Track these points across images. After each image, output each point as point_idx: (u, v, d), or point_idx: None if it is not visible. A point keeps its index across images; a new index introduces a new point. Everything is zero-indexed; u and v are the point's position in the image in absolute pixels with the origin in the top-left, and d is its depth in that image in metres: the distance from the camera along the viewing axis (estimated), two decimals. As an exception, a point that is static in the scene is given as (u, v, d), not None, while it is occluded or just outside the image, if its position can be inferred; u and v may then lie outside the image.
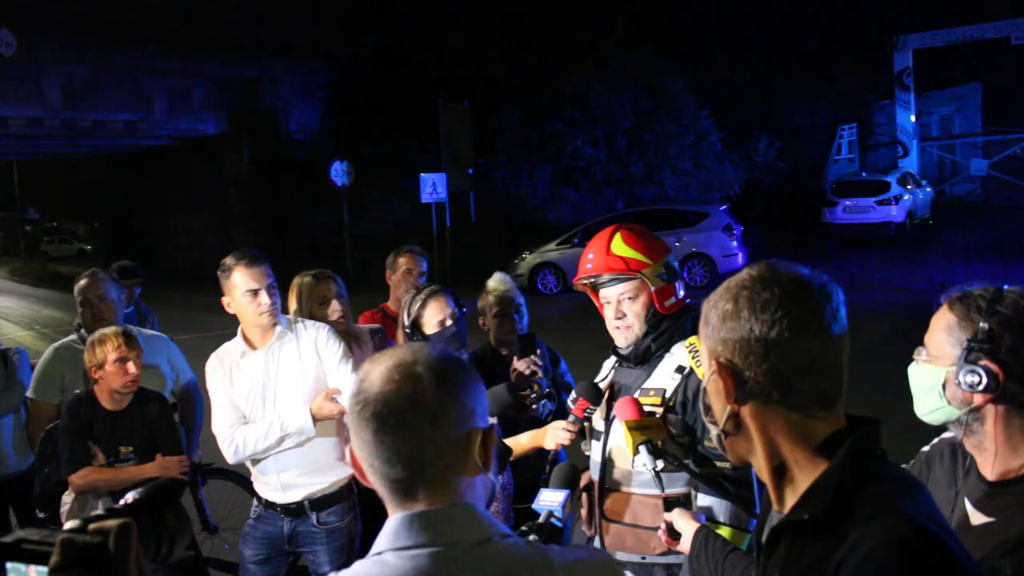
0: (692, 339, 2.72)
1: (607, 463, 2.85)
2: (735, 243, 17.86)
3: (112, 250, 29.10)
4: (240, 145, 25.69)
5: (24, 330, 18.54)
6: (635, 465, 2.66)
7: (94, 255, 36.38)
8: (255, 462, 3.68)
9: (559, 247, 18.45)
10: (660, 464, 2.52)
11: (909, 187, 23.06)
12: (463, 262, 19.37)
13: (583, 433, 2.99)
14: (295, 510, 3.67)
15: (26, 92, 22.27)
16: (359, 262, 19.15)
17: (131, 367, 3.91)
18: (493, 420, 3.35)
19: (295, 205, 23.77)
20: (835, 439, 1.41)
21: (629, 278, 2.78)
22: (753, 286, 1.44)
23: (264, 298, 3.55)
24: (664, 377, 2.76)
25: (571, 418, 2.92)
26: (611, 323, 2.87)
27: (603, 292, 2.86)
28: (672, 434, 2.66)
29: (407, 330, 3.72)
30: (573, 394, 2.95)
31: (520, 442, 3.13)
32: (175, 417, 4.37)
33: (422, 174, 19.22)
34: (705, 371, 1.52)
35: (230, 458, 3.63)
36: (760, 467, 1.47)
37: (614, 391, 2.91)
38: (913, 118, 28.74)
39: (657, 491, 2.62)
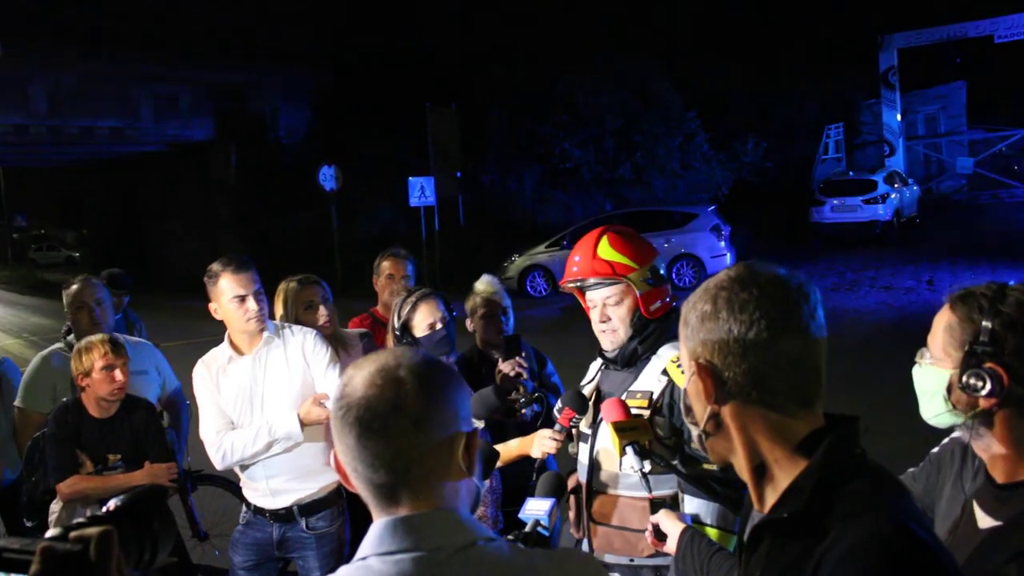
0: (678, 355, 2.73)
1: (594, 465, 2.86)
2: (723, 244, 17.91)
3: (100, 257, 28.99)
4: (228, 150, 25.68)
5: (12, 338, 18.47)
6: (622, 467, 2.66)
7: (82, 262, 36.25)
8: (244, 468, 3.67)
9: (548, 249, 18.46)
10: (647, 465, 2.52)
11: (896, 186, 23.16)
12: (452, 265, 19.38)
13: (570, 436, 3.00)
14: (284, 516, 3.67)
15: (11, 99, 22.22)
16: (348, 266, 19.13)
17: (118, 374, 3.91)
18: (480, 423, 3.36)
19: (284, 210, 23.74)
20: (814, 438, 1.41)
21: (615, 282, 2.79)
22: (731, 287, 1.45)
23: (251, 304, 3.55)
24: (650, 380, 2.76)
25: (557, 427, 2.92)
26: (597, 326, 2.88)
27: (589, 295, 2.87)
28: (659, 436, 2.66)
29: (397, 332, 3.72)
30: (559, 403, 2.96)
31: (509, 448, 3.14)
32: (163, 423, 4.36)
33: (410, 178, 19.23)
34: (686, 372, 1.53)
35: (218, 464, 3.62)
36: (740, 467, 1.48)
37: (601, 394, 2.91)
38: (899, 117, 28.85)
39: (644, 493, 2.63)
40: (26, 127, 22.97)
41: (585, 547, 2.85)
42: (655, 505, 2.57)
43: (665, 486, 2.68)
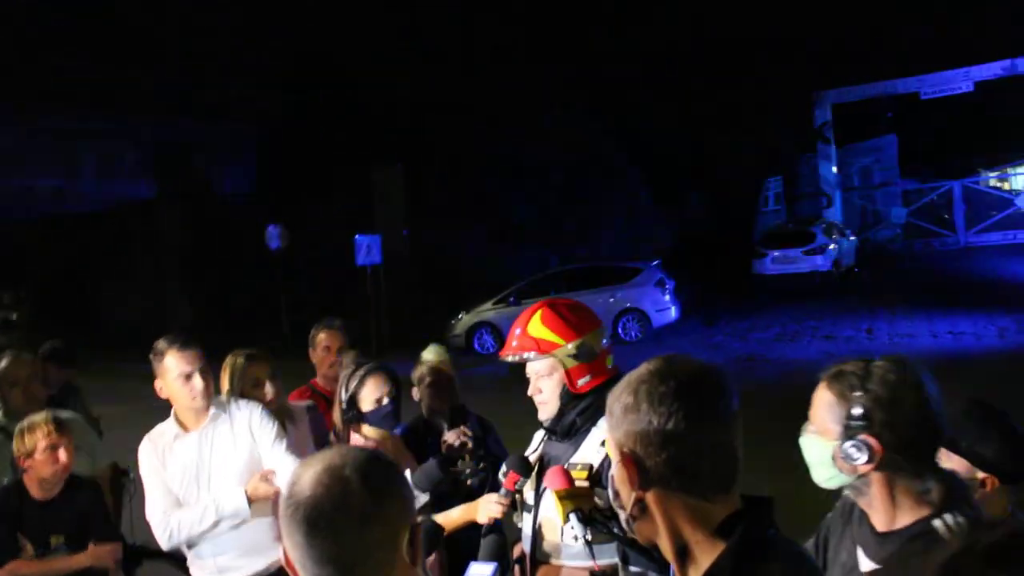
0: None
1: (537, 535, 2.92)
2: (668, 297, 18.13)
3: (41, 318, 28.39)
4: (173, 209, 25.45)
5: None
6: (564, 535, 2.74)
7: (20, 323, 35.43)
8: (191, 545, 3.65)
9: (495, 306, 18.54)
10: (590, 533, 2.59)
11: (834, 236, 23.68)
12: (400, 323, 19.36)
13: (515, 505, 3.07)
14: None
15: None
16: (295, 326, 19.02)
17: (62, 454, 3.85)
18: (425, 497, 3.41)
19: (230, 269, 23.56)
20: (731, 521, 1.54)
21: (542, 357, 2.89)
22: (651, 380, 1.56)
23: (198, 381, 3.57)
24: (590, 451, 2.84)
25: (503, 491, 2.99)
26: (533, 397, 2.99)
27: (527, 367, 2.98)
28: (598, 507, 2.74)
29: (343, 406, 3.77)
30: (504, 467, 3.03)
31: (452, 516, 3.19)
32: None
33: (357, 236, 19.22)
34: (612, 460, 1.63)
35: (165, 544, 3.60)
36: (665, 548, 1.59)
37: (544, 463, 2.99)
38: (835, 169, 29.61)
39: (586, 563, 2.70)
40: (-39, 187, 22.64)
41: None
42: None
43: (607, 555, 2.75)
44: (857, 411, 1.87)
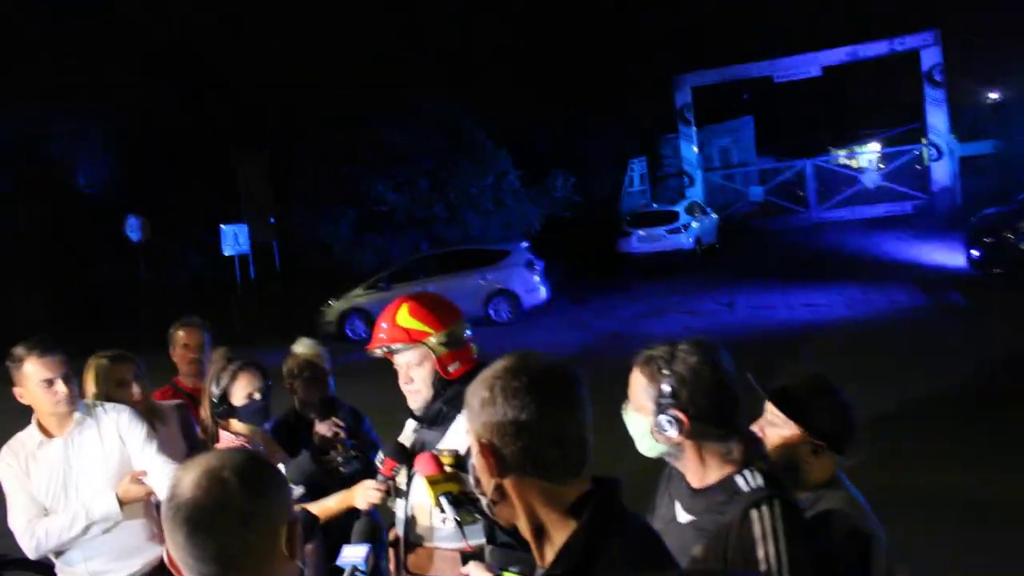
0: None
1: (410, 520, 3.03)
2: (537, 278, 18.41)
3: None
4: (23, 202, 24.24)
5: None
6: (433, 518, 2.86)
7: None
8: (58, 553, 3.59)
9: (366, 292, 18.46)
10: (461, 515, 2.70)
11: (696, 215, 24.46)
12: (270, 313, 19.06)
13: (390, 491, 3.17)
14: None
15: None
16: (159, 319, 18.48)
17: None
18: (300, 489, 3.46)
19: (88, 263, 22.65)
20: (582, 501, 1.69)
21: (413, 346, 2.99)
22: (505, 376, 1.71)
23: (60, 387, 3.50)
24: (458, 437, 2.95)
25: (380, 477, 3.09)
26: (404, 387, 3.08)
27: (395, 359, 3.07)
28: (466, 491, 2.86)
29: (214, 401, 3.77)
30: (380, 454, 3.12)
31: (327, 505, 3.25)
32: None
33: (223, 225, 18.82)
34: (472, 450, 1.76)
35: (32, 553, 3.52)
36: (523, 529, 1.74)
37: (415, 451, 3.10)
38: (696, 149, 30.52)
39: (456, 544, 2.82)
40: None
41: None
42: (464, 556, 2.75)
43: (477, 536, 2.87)
44: (666, 389, 2.14)
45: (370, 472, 3.94)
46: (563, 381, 1.73)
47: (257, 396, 3.73)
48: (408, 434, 3.21)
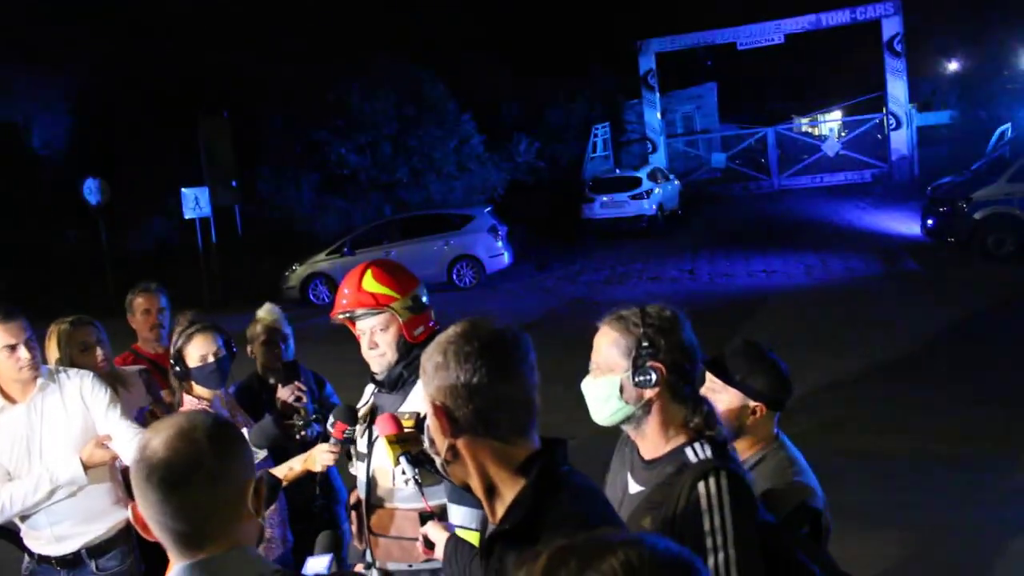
0: None
1: (371, 482, 3.12)
2: (500, 243, 18.47)
3: None
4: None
5: None
6: (395, 477, 2.95)
7: None
8: (24, 518, 3.62)
9: (329, 256, 18.43)
10: (420, 474, 2.79)
11: (659, 181, 24.56)
12: (233, 277, 18.97)
13: (350, 455, 3.25)
14: (72, 561, 3.64)
15: None
16: (120, 284, 18.30)
17: None
18: (263, 452, 3.53)
19: (45, 228, 22.31)
20: (530, 460, 1.80)
21: (379, 311, 3.07)
22: (457, 341, 1.80)
23: (23, 352, 3.50)
24: (417, 401, 3.02)
25: (332, 440, 3.17)
26: (367, 352, 3.16)
27: (359, 324, 3.14)
28: (425, 452, 2.95)
29: (172, 361, 3.82)
30: (331, 418, 3.20)
31: (293, 468, 3.33)
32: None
33: (183, 189, 18.61)
34: (427, 412, 1.85)
35: None
36: (476, 487, 1.84)
37: (375, 415, 3.18)
38: (659, 116, 30.58)
39: (417, 505, 2.92)
40: None
41: (368, 557, 3.11)
42: (422, 517, 2.83)
43: (438, 496, 2.97)
44: (645, 341, 2.12)
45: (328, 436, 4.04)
46: (512, 346, 1.82)
47: (211, 359, 3.74)
48: (367, 398, 3.29)
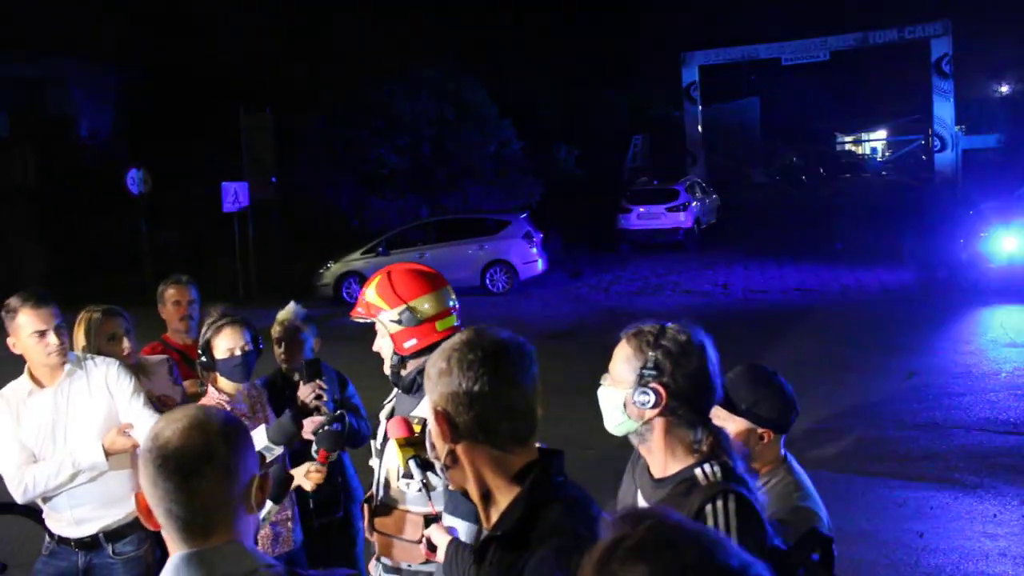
0: None
1: (384, 482, 3.16)
2: (535, 250, 18.48)
3: None
4: (25, 150, 24.24)
5: None
6: (401, 480, 2.98)
7: None
8: (46, 499, 3.69)
9: (364, 256, 18.54)
10: (430, 478, 2.81)
11: (697, 194, 24.51)
12: (268, 271, 19.16)
13: (371, 450, 3.30)
14: (89, 543, 3.70)
15: None
16: (158, 274, 18.53)
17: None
18: (279, 449, 3.57)
19: (88, 215, 22.68)
20: (527, 470, 1.83)
21: (372, 320, 3.13)
22: (462, 349, 1.84)
23: (52, 339, 3.58)
24: (428, 406, 3.07)
25: (316, 464, 3.29)
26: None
27: None
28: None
29: (199, 351, 3.87)
30: (315, 444, 3.31)
31: (297, 474, 3.43)
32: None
33: (224, 182, 18.83)
34: (429, 417, 1.88)
35: (20, 498, 3.63)
36: (472, 493, 1.87)
37: (394, 415, 3.22)
38: (700, 128, 30.53)
39: (419, 508, 2.94)
40: None
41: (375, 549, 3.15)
42: (427, 520, 2.85)
43: (440, 501, 2.99)
44: (651, 362, 2.10)
45: (351, 434, 4.09)
46: (516, 356, 1.85)
47: (237, 353, 3.79)
48: (391, 397, 3.33)
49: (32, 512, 4.20)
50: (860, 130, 36.92)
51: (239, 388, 3.88)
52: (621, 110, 30.13)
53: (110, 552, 3.73)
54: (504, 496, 1.83)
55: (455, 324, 3.13)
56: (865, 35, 27.54)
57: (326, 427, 3.76)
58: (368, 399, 4.41)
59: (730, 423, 2.56)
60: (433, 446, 1.91)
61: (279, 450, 3.54)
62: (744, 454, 2.36)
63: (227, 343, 3.79)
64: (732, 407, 2.57)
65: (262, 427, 3.52)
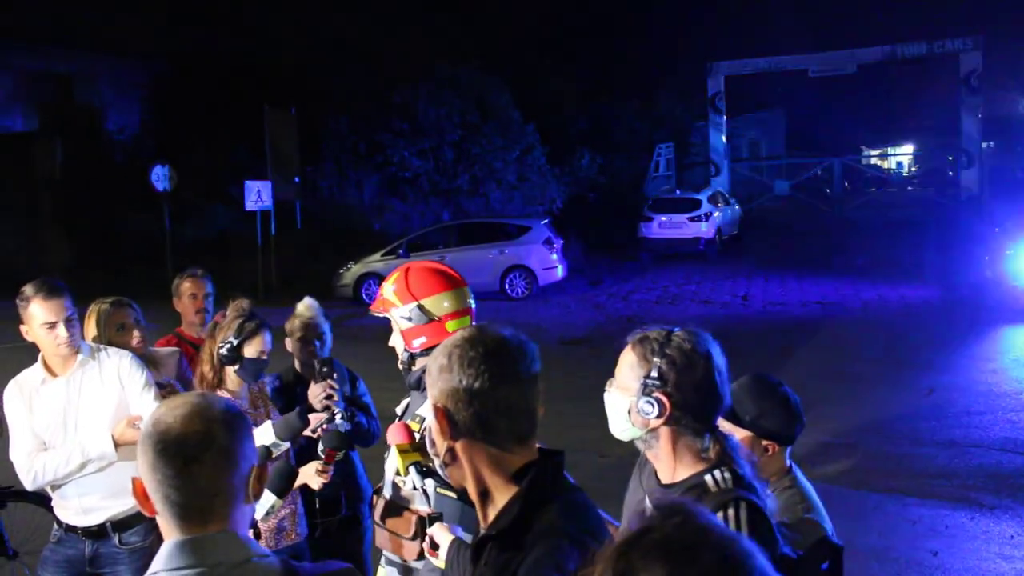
0: None
1: (391, 481, 3.15)
2: (555, 256, 18.46)
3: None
4: (53, 144, 24.46)
5: None
6: (405, 485, 2.96)
7: None
8: (55, 487, 3.72)
9: (384, 258, 18.57)
10: (429, 484, 2.80)
11: (719, 205, 24.37)
12: (288, 270, 19.24)
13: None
14: (96, 532, 3.73)
15: None
16: (180, 270, 18.62)
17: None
18: (286, 444, 3.57)
19: (113, 209, 22.87)
20: (526, 469, 1.80)
21: (386, 315, 3.14)
22: (463, 345, 1.81)
23: (61, 331, 3.60)
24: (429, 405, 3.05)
25: (321, 463, 3.31)
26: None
27: None
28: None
29: (232, 343, 3.81)
30: (321, 444, 3.32)
31: (304, 472, 3.45)
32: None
33: (247, 181, 18.94)
34: (429, 413, 1.86)
35: (29, 485, 3.66)
36: (470, 491, 1.85)
37: (406, 412, 3.21)
38: (724, 139, 30.39)
39: (420, 508, 2.93)
40: None
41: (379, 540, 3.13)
42: (431, 518, 2.83)
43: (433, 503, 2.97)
44: (655, 372, 2.07)
45: (360, 433, 4.08)
46: (517, 353, 1.82)
47: (264, 357, 3.86)
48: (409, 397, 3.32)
49: (43, 500, 4.21)
50: (886, 144, 36.68)
51: (244, 386, 3.90)
52: (645, 118, 30.05)
53: (116, 542, 3.76)
54: (502, 495, 1.81)
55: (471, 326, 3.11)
56: (894, 48, 27.33)
57: (327, 426, 3.74)
58: (385, 400, 4.41)
59: (735, 434, 2.48)
60: (433, 443, 1.89)
61: (285, 445, 3.55)
62: (752, 461, 2.34)
63: (258, 347, 3.83)
64: (736, 419, 2.54)
65: (269, 423, 3.53)
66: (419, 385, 3.11)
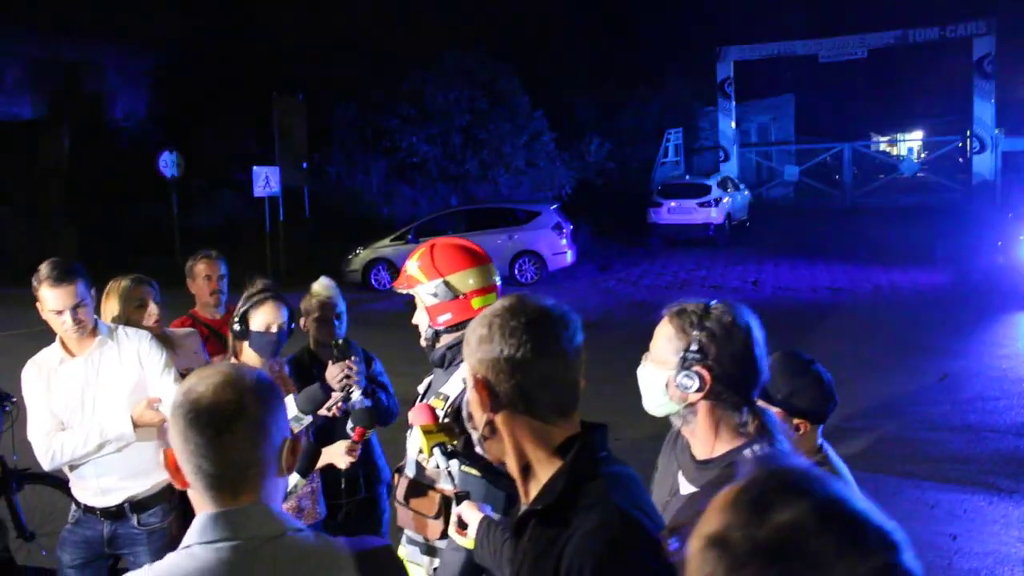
0: None
1: (413, 459, 3.11)
2: (564, 241, 18.43)
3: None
4: (60, 131, 24.45)
5: None
6: (428, 464, 2.92)
7: None
8: (73, 467, 3.69)
9: (393, 243, 18.55)
10: (453, 465, 2.76)
11: (728, 190, 24.29)
12: (297, 257, 19.22)
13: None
14: (115, 513, 3.71)
15: None
16: (189, 256, 18.60)
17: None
18: (308, 418, 3.53)
19: (121, 197, 22.86)
20: (569, 443, 1.75)
21: (411, 291, 3.11)
22: (504, 315, 1.76)
23: (68, 319, 3.55)
24: (455, 383, 2.98)
25: (350, 442, 3.28)
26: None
27: None
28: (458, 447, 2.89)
29: (235, 319, 3.79)
30: (350, 422, 3.29)
31: (331, 452, 3.44)
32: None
33: (255, 167, 18.90)
34: (467, 385, 1.81)
35: (47, 465, 3.64)
36: (511, 465, 1.80)
37: (429, 390, 3.17)
38: (734, 125, 30.26)
39: (442, 487, 2.90)
40: None
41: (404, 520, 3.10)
42: (458, 497, 2.81)
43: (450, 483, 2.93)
44: (695, 345, 2.01)
45: (381, 411, 4.05)
46: (560, 324, 1.76)
47: (273, 329, 3.76)
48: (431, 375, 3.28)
49: (62, 483, 4.19)
50: (896, 130, 36.46)
51: (263, 363, 3.84)
52: (654, 104, 29.91)
53: (135, 522, 3.74)
54: (544, 469, 1.75)
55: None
56: (905, 33, 27.12)
57: (351, 403, 3.70)
58: (396, 385, 4.38)
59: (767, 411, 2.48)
60: (471, 416, 1.83)
61: (307, 419, 3.51)
62: (790, 436, 2.29)
63: (266, 318, 3.76)
64: (768, 397, 2.47)
65: (291, 396, 3.48)
66: (443, 362, 3.08)
